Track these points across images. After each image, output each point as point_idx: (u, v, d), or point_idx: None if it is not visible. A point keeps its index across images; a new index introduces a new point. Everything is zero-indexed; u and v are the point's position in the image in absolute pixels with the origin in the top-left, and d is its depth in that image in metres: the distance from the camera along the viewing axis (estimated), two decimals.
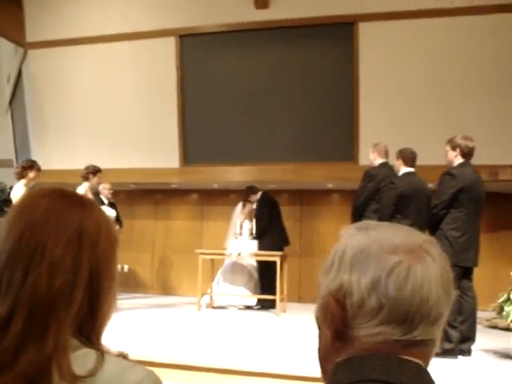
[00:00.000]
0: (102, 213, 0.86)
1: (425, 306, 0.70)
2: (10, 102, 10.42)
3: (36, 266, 0.75)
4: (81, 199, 0.85)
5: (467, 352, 4.33)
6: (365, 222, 0.79)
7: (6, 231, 0.78)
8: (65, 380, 0.71)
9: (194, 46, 7.83)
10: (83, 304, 0.77)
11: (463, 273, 4.36)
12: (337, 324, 0.73)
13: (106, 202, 7.31)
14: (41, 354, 0.72)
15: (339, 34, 7.29)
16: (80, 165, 6.60)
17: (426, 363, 0.72)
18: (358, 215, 5.10)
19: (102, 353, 0.77)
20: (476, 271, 4.58)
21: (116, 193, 7.81)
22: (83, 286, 0.77)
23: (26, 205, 0.81)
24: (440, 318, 0.72)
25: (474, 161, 4.60)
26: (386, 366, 0.68)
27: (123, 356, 0.83)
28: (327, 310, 0.74)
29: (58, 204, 0.81)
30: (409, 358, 0.70)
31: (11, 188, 6.16)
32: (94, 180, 6.33)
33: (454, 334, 4.20)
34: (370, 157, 5.47)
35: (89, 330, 0.78)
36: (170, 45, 7.86)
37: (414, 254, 0.71)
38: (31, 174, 5.68)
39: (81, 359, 0.74)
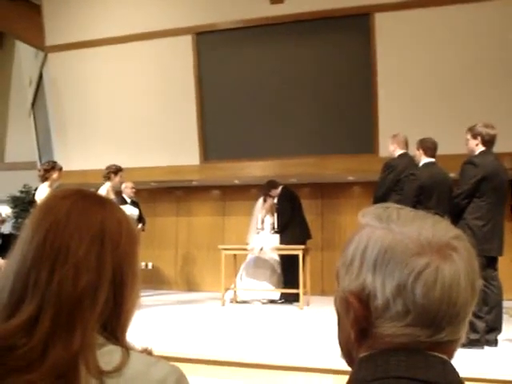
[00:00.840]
0: (122, 212, 0.88)
1: (452, 309, 0.68)
2: (32, 106, 10.60)
3: (61, 266, 0.77)
4: (101, 199, 0.87)
5: (493, 342, 4.28)
6: (386, 209, 0.75)
7: (30, 233, 0.81)
8: (92, 376, 0.73)
9: (211, 43, 7.86)
10: (108, 302, 0.79)
11: (488, 262, 4.30)
12: (360, 323, 0.72)
13: (128, 200, 7.39)
14: (68, 351, 0.74)
15: (355, 25, 7.24)
16: (102, 165, 6.68)
17: (451, 357, 0.71)
18: None
19: (127, 349, 0.79)
20: (501, 260, 4.53)
21: (138, 191, 7.89)
22: (107, 285, 0.79)
23: (48, 207, 0.83)
24: (467, 316, 0.70)
25: (496, 148, 4.53)
26: (410, 362, 0.67)
27: (148, 352, 0.84)
28: (349, 308, 0.73)
29: (80, 205, 0.83)
30: (434, 353, 0.68)
31: (36, 190, 6.28)
32: (116, 179, 6.41)
33: (480, 325, 4.16)
34: (390, 148, 5.44)
35: (114, 327, 0.80)
36: (186, 43, 7.90)
37: (441, 252, 0.68)
38: (54, 175, 5.78)
39: (106, 356, 0.76)
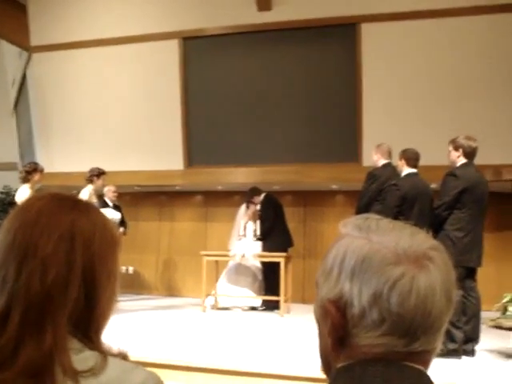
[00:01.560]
0: (98, 213, 0.88)
1: (427, 319, 0.68)
2: (15, 106, 10.48)
3: (28, 262, 0.77)
4: (75, 201, 0.87)
5: (471, 352, 4.33)
6: (366, 220, 0.76)
7: (2, 233, 0.82)
8: (67, 376, 0.73)
9: (198, 49, 7.86)
10: (79, 300, 0.79)
11: (467, 273, 4.36)
12: (337, 331, 0.72)
13: (110, 204, 7.33)
14: (40, 349, 0.73)
15: (342, 35, 7.30)
16: (85, 167, 6.64)
17: (426, 367, 0.71)
18: None
19: (104, 355, 0.78)
20: (480, 271, 4.58)
21: (120, 195, 7.84)
22: (78, 282, 0.79)
23: (20, 208, 0.85)
24: (442, 326, 0.71)
25: (478, 161, 4.60)
26: (387, 374, 0.68)
27: (123, 355, 0.84)
28: (327, 316, 0.73)
29: (51, 205, 0.84)
30: (410, 364, 0.69)
31: (16, 191, 6.20)
32: (99, 182, 6.38)
33: (458, 335, 4.20)
34: (374, 158, 5.48)
35: (87, 328, 0.80)
36: (173, 47, 7.89)
37: (418, 263, 0.69)
38: (36, 177, 5.73)
39: (83, 362, 0.75)
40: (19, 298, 0.75)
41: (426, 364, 0.71)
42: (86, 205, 0.88)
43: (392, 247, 0.70)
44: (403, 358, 0.69)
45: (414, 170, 4.86)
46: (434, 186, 4.95)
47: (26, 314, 0.75)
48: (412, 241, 0.71)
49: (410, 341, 0.69)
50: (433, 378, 0.72)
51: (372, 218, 0.76)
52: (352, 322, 0.71)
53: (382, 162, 5.37)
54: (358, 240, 0.73)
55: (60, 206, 0.84)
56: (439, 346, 0.72)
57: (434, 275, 0.69)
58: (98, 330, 0.82)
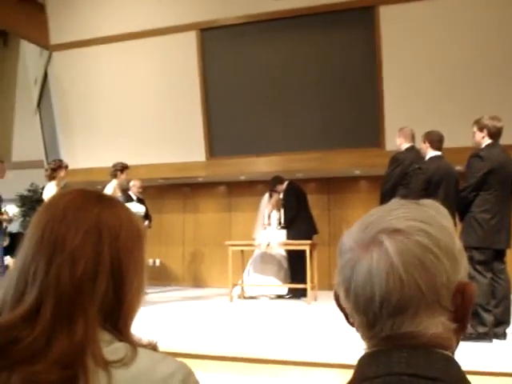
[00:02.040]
0: (123, 207, 0.90)
1: (371, 303, 0.69)
2: (38, 104, 10.63)
3: (57, 256, 0.80)
4: (99, 196, 0.89)
5: (502, 335, 4.26)
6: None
7: (31, 230, 0.84)
8: (99, 366, 0.74)
9: (215, 39, 7.85)
10: (108, 292, 0.80)
11: (495, 255, 4.29)
12: (345, 317, 0.77)
13: (134, 198, 7.43)
14: (72, 341, 0.75)
15: (360, 19, 7.20)
16: (108, 162, 6.71)
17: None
18: (386, 201, 5.02)
19: (134, 346, 0.79)
20: (509, 253, 4.51)
21: (145, 188, 7.92)
22: (106, 275, 0.81)
23: (48, 204, 0.87)
24: (405, 308, 0.69)
25: (504, 141, 4.51)
26: (412, 359, 0.68)
27: (153, 346, 0.85)
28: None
29: (77, 201, 0.86)
30: (438, 350, 0.69)
31: (43, 188, 6.31)
32: (122, 177, 6.44)
33: (488, 318, 4.15)
34: (397, 141, 5.41)
35: (116, 319, 0.81)
36: (191, 39, 7.89)
37: (365, 248, 0.71)
38: (61, 174, 5.83)
39: (114, 353, 0.76)
40: (50, 292, 0.77)
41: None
42: (111, 199, 0.90)
43: (354, 233, 0.74)
44: (391, 342, 0.70)
45: (438, 153, 4.79)
46: (459, 168, 4.87)
47: (57, 306, 0.77)
48: (372, 225, 0.72)
49: (369, 327, 0.72)
50: (464, 362, 0.71)
51: (376, 208, 0.78)
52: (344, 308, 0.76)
53: (405, 145, 5.30)
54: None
55: (86, 200, 0.86)
56: (426, 329, 0.69)
57: (377, 259, 0.69)
58: (127, 321, 0.84)
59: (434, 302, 0.69)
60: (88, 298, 0.78)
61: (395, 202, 0.77)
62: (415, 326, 0.69)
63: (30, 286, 0.79)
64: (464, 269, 0.72)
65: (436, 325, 0.69)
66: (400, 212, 0.73)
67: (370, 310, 0.70)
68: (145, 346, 0.83)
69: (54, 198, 0.88)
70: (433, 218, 0.73)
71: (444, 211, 0.76)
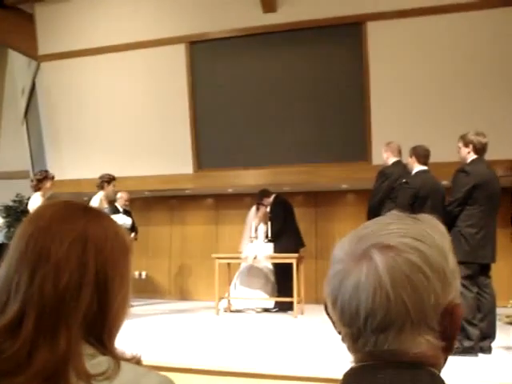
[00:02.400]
0: (109, 219, 0.89)
1: (356, 318, 0.69)
2: (25, 115, 10.58)
3: (41, 267, 0.79)
4: (86, 208, 0.88)
5: (487, 350, 4.29)
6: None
7: (15, 240, 0.83)
8: (81, 379, 0.73)
9: (204, 52, 7.88)
10: (92, 305, 0.79)
11: (481, 270, 4.33)
12: (333, 325, 0.76)
13: (121, 210, 7.38)
14: (54, 353, 0.74)
15: (348, 34, 7.29)
16: (95, 174, 6.68)
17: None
18: (373, 215, 5.07)
19: (117, 360, 0.78)
20: (494, 267, 4.54)
21: (132, 200, 7.88)
22: (90, 287, 0.80)
23: (33, 215, 0.87)
24: (390, 326, 0.67)
25: (489, 156, 4.56)
26: (397, 376, 0.67)
27: (137, 359, 0.84)
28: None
29: (63, 212, 0.85)
30: (423, 366, 0.68)
31: (29, 199, 6.25)
32: (109, 188, 6.41)
33: (474, 332, 4.17)
34: (384, 156, 5.46)
35: (100, 332, 0.80)
36: (180, 52, 7.92)
37: (356, 261, 0.70)
38: (47, 185, 5.78)
39: (97, 367, 0.76)
40: (33, 303, 0.76)
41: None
42: (97, 211, 0.90)
43: (347, 245, 0.73)
44: (378, 359, 0.69)
45: (424, 167, 4.84)
46: (445, 182, 4.92)
47: (39, 318, 0.76)
48: (365, 238, 0.71)
49: (351, 340, 0.71)
50: (449, 377, 0.71)
51: (386, 215, 0.76)
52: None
53: (392, 159, 5.35)
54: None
55: (72, 212, 0.85)
56: (409, 346, 0.68)
57: (366, 274, 0.68)
58: (111, 334, 0.83)
59: (419, 321, 0.68)
60: (71, 311, 0.77)
61: (392, 215, 0.75)
62: (398, 344, 0.68)
63: (13, 298, 0.78)
64: (455, 290, 0.71)
65: (420, 344, 0.68)
66: (395, 227, 0.71)
67: (355, 324, 0.69)
68: (128, 360, 0.82)
69: (39, 209, 0.88)
70: (428, 235, 0.71)
71: (441, 229, 0.75)
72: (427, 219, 0.75)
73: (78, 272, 0.79)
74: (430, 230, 0.72)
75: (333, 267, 0.73)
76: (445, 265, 0.70)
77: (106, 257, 0.83)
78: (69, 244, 0.80)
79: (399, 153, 5.37)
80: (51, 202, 0.90)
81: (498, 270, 4.84)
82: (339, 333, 0.75)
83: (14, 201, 11.75)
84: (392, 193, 5.10)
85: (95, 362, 0.77)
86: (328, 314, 0.75)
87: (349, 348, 0.73)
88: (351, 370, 0.72)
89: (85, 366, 0.75)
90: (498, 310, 4.51)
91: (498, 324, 4.49)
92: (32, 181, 5.90)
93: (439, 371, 0.70)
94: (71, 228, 0.82)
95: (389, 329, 0.67)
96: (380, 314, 0.67)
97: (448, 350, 0.71)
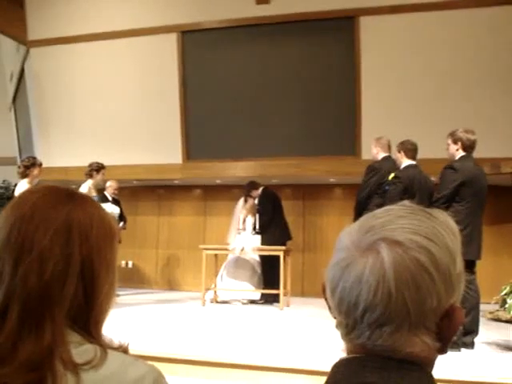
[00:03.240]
0: (94, 205, 0.87)
1: (354, 311, 0.67)
2: (13, 100, 10.45)
3: (25, 257, 0.76)
4: (70, 193, 0.86)
5: (470, 345, 4.33)
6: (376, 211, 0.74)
7: None
8: (67, 369, 0.73)
9: (196, 42, 7.84)
10: (77, 293, 0.78)
11: (466, 266, 4.32)
12: (329, 309, 0.74)
13: (110, 199, 7.36)
14: (39, 344, 0.73)
15: (340, 28, 7.29)
16: (84, 162, 6.64)
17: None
18: (361, 209, 5.10)
19: (104, 348, 0.78)
20: (479, 264, 4.58)
21: (120, 189, 7.85)
22: (75, 275, 0.78)
23: (16, 202, 0.83)
24: (387, 322, 0.66)
25: (476, 154, 4.59)
26: (385, 369, 0.66)
27: (124, 348, 0.84)
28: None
29: (46, 199, 0.82)
30: (412, 359, 0.67)
31: (15, 185, 6.20)
32: (98, 177, 6.37)
33: None
34: (373, 151, 5.47)
35: (86, 321, 0.79)
36: (171, 41, 7.87)
37: (362, 252, 0.68)
38: (35, 172, 5.72)
39: (83, 354, 0.75)
40: (16, 295, 0.75)
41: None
42: (82, 197, 0.87)
43: (354, 233, 0.70)
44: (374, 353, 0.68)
45: (413, 162, 4.86)
46: (433, 179, 4.95)
47: (23, 310, 0.74)
48: (374, 229, 0.69)
49: (345, 330, 0.70)
50: (432, 371, 0.71)
51: (376, 211, 0.74)
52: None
53: (381, 155, 5.36)
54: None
55: (55, 199, 0.83)
56: (403, 344, 0.67)
57: (371, 267, 0.66)
58: (97, 323, 0.82)
59: (418, 322, 0.66)
60: (57, 301, 0.76)
61: (405, 206, 0.72)
62: (392, 341, 0.67)
63: None
64: (458, 294, 0.69)
65: (414, 344, 0.67)
66: (406, 222, 0.68)
67: (352, 315, 0.68)
68: (116, 349, 0.82)
69: (22, 196, 0.85)
70: (439, 235, 0.68)
71: (454, 228, 0.72)
72: (441, 216, 0.72)
73: (62, 262, 0.77)
74: (442, 228, 0.69)
75: (336, 254, 0.71)
76: (452, 268, 0.68)
77: (92, 245, 0.81)
78: (53, 232, 0.78)
79: (389, 148, 5.38)
80: (34, 187, 0.87)
81: (482, 267, 4.89)
82: (334, 317, 0.74)
83: (1, 187, 11.65)
84: (380, 188, 5.12)
85: (81, 350, 0.76)
86: (325, 298, 0.74)
87: (341, 335, 0.72)
88: (340, 361, 0.72)
89: (71, 356, 0.74)
90: (482, 306, 4.56)
91: (482, 320, 4.55)
92: (19, 167, 5.84)
93: (430, 371, 0.70)
94: (55, 216, 0.80)
95: (386, 325, 0.66)
96: (379, 309, 0.66)
97: (441, 352, 0.70)
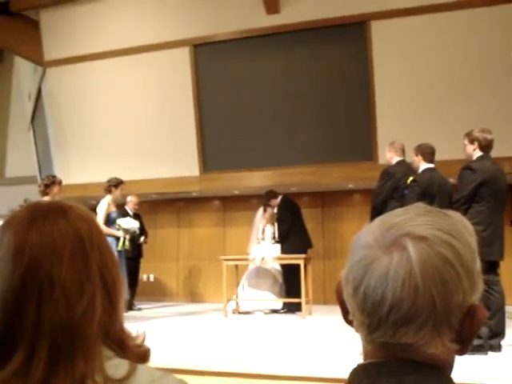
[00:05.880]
0: (78, 211, 0.81)
1: (379, 309, 0.66)
2: (32, 120, 10.64)
3: (47, 296, 0.70)
4: (49, 207, 0.79)
5: (497, 347, 4.27)
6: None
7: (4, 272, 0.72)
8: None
9: (209, 55, 7.91)
10: (104, 307, 0.75)
11: (489, 267, 4.30)
12: (343, 313, 0.74)
13: (130, 213, 7.44)
14: (72, 376, 0.69)
15: (352, 33, 7.29)
16: (102, 178, 6.71)
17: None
18: (376, 214, 5.02)
19: (133, 363, 0.76)
20: (502, 265, 4.53)
21: (139, 203, 7.92)
22: (99, 291, 0.75)
23: (12, 247, 0.75)
24: (413, 319, 0.65)
25: (495, 153, 4.55)
26: (402, 373, 0.66)
27: (145, 350, 0.81)
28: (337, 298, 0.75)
29: (37, 220, 0.76)
30: (429, 363, 0.67)
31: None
32: (117, 192, 6.43)
33: (483, 330, 4.15)
34: (387, 155, 5.44)
35: (116, 329, 0.77)
36: (184, 54, 7.95)
37: (385, 249, 0.67)
38: (55, 189, 5.81)
39: (113, 369, 0.74)
40: (44, 334, 0.69)
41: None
42: (64, 207, 0.80)
43: (376, 230, 0.70)
44: (396, 353, 0.67)
45: (431, 165, 4.83)
46: (451, 180, 4.91)
47: (53, 350, 0.69)
48: (397, 226, 0.68)
49: (369, 329, 0.68)
50: (459, 375, 0.71)
51: (414, 206, 0.74)
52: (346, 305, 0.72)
53: (395, 159, 5.34)
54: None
55: (47, 216, 0.77)
56: (426, 344, 0.66)
57: (397, 263, 0.65)
58: (122, 325, 0.80)
59: (442, 319, 0.66)
60: (88, 327, 0.72)
61: (420, 207, 0.73)
62: (416, 339, 0.66)
63: (20, 339, 0.70)
64: (479, 291, 0.69)
65: (436, 345, 0.67)
66: (427, 219, 0.69)
67: (376, 314, 0.67)
68: (136, 343, 0.81)
69: (7, 224, 0.76)
70: (460, 232, 0.69)
71: (470, 228, 0.72)
72: (456, 216, 0.72)
73: (86, 283, 0.73)
74: (462, 227, 0.70)
75: (356, 252, 0.70)
76: (474, 264, 0.68)
77: (103, 253, 0.78)
78: (68, 256, 0.73)
79: (403, 152, 5.35)
80: (12, 213, 0.79)
81: (505, 267, 4.83)
82: (350, 322, 0.73)
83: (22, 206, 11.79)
84: (396, 192, 5.09)
85: (112, 363, 0.75)
86: (340, 301, 0.73)
87: (362, 338, 0.71)
88: (357, 368, 0.71)
89: (105, 372, 0.72)
90: (507, 308, 4.49)
91: (508, 322, 4.47)
92: (39, 186, 5.94)
93: (449, 375, 0.70)
94: (60, 236, 0.74)
95: (411, 323, 0.66)
96: (406, 305, 0.65)
97: (461, 353, 0.70)
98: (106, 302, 0.76)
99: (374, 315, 0.67)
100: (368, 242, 0.69)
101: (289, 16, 7.39)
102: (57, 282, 0.71)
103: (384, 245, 0.67)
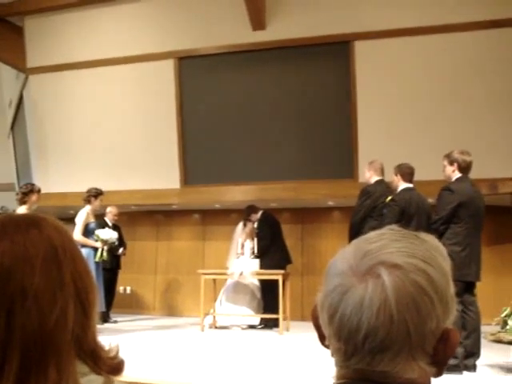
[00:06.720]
0: (48, 222, 0.79)
1: (355, 336, 0.66)
2: (12, 127, 10.51)
3: (19, 305, 0.69)
4: (18, 219, 0.78)
5: (472, 367, 4.30)
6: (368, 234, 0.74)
7: None
8: None
9: (193, 68, 7.92)
10: (77, 317, 0.73)
11: (466, 288, 4.35)
12: (319, 338, 0.73)
13: (110, 224, 7.37)
14: None
15: (336, 53, 7.38)
16: (82, 187, 6.65)
17: None
18: (355, 232, 5.10)
19: (109, 379, 0.75)
20: (479, 284, 4.57)
21: (118, 214, 7.85)
22: (73, 301, 0.73)
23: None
24: (388, 347, 0.65)
25: (473, 175, 4.62)
26: None
27: (119, 361, 0.80)
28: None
29: (16, 238, 0.74)
30: None
31: (14, 212, 6.19)
32: (96, 203, 6.38)
33: (459, 350, 4.17)
34: (366, 175, 5.52)
35: (89, 341, 0.76)
36: (169, 67, 7.95)
37: (360, 276, 0.67)
38: (33, 198, 5.73)
39: None
40: (14, 345, 0.68)
41: None
42: (35, 218, 0.79)
43: (351, 258, 0.70)
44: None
45: (410, 185, 4.89)
46: (430, 200, 4.97)
47: (25, 358, 0.68)
48: (371, 254, 0.68)
49: (344, 356, 0.68)
50: None
51: (370, 234, 0.74)
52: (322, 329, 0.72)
53: (374, 178, 5.40)
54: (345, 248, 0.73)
55: (16, 227, 0.75)
56: (407, 372, 0.66)
57: (372, 291, 0.65)
58: (95, 336, 0.78)
59: (417, 346, 0.66)
60: (60, 338, 0.70)
61: (395, 231, 0.73)
62: (392, 366, 0.66)
63: None
64: (453, 315, 0.70)
65: (413, 369, 0.67)
66: (401, 245, 0.69)
67: (352, 341, 0.67)
68: (109, 356, 0.79)
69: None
70: (434, 258, 0.69)
71: (443, 250, 0.73)
72: (429, 239, 0.73)
73: (59, 292, 0.72)
74: (434, 251, 0.71)
75: (331, 280, 0.70)
76: (447, 289, 0.69)
77: (76, 262, 0.76)
78: (41, 265, 0.71)
79: (382, 172, 5.42)
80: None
81: (482, 287, 4.88)
82: (326, 346, 0.73)
83: None
84: (374, 211, 5.15)
85: (87, 379, 0.73)
86: (316, 326, 0.73)
87: (337, 363, 0.71)
88: None
89: (77, 380, 0.71)
90: (483, 328, 4.53)
91: (483, 342, 4.51)
92: (17, 194, 5.85)
93: None
94: (32, 244, 0.72)
95: (386, 350, 0.66)
96: (381, 333, 0.65)
97: (437, 376, 0.70)
98: (79, 312, 0.74)
99: (349, 343, 0.67)
100: (343, 270, 0.69)
101: (274, 33, 7.46)
102: (29, 290, 0.69)
103: (359, 272, 0.67)
